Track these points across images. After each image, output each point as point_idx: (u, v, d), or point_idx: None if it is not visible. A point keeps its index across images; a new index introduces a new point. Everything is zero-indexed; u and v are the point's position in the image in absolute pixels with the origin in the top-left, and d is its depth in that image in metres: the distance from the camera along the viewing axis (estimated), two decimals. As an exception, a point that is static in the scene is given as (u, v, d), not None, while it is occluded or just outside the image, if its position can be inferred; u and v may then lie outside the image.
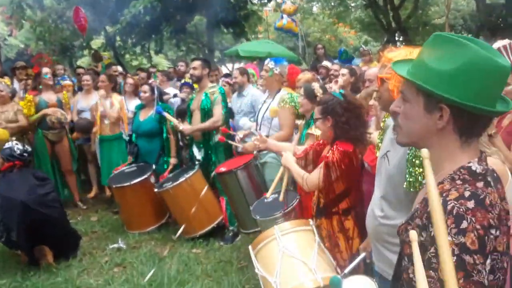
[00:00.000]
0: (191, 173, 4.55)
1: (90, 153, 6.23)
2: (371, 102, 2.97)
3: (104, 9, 14.98)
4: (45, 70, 5.73)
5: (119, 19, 14.84)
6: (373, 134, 2.79)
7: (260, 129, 4.31)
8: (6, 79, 5.89)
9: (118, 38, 16.55)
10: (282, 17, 11.02)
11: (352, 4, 21.16)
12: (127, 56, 18.81)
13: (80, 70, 7.68)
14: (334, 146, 2.67)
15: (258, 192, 4.13)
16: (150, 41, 15.74)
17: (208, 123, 4.63)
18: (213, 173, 4.49)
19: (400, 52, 1.79)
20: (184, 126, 4.73)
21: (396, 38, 17.36)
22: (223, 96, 4.71)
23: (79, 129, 5.72)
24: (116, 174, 5.04)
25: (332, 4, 20.63)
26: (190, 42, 18.88)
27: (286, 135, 4.10)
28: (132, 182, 4.71)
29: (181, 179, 4.50)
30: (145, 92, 5.11)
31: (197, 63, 4.72)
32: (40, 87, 5.83)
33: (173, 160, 5.13)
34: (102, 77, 5.75)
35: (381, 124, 2.22)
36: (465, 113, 1.06)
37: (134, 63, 22.06)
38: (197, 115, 4.73)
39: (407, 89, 1.15)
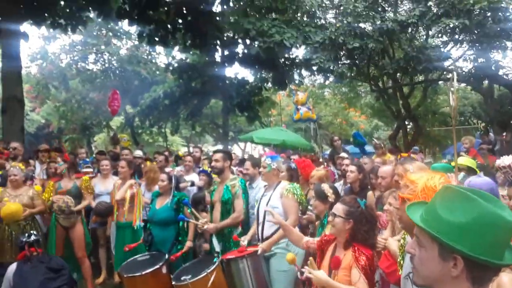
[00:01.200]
0: (212, 267, 4.33)
1: (103, 237, 6.24)
2: (386, 207, 3.02)
3: (125, 92, 15.85)
4: (59, 159, 6.00)
5: (140, 102, 15.63)
6: (389, 240, 2.81)
7: (264, 219, 4.32)
8: (20, 164, 6.07)
9: (136, 118, 17.28)
10: (297, 109, 11.45)
11: (363, 90, 21.98)
12: (143, 135, 19.49)
13: (100, 157, 7.89)
14: (357, 250, 2.70)
15: (261, 284, 4.05)
16: (167, 122, 16.39)
17: (229, 220, 4.64)
18: (219, 259, 4.34)
19: (422, 176, 1.88)
20: (208, 225, 4.71)
21: (406, 123, 17.79)
22: (244, 188, 4.77)
23: (98, 214, 5.78)
24: (128, 263, 4.98)
25: (343, 90, 21.47)
26: (205, 123, 19.59)
27: (293, 221, 4.15)
28: (143, 273, 4.64)
29: (203, 274, 4.27)
30: (162, 180, 5.22)
31: (219, 156, 4.82)
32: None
33: (189, 243, 5.07)
34: (122, 163, 5.90)
35: (401, 241, 2.25)
36: (476, 264, 1.12)
37: (150, 141, 22.75)
38: (218, 207, 4.76)
39: (422, 235, 1.22)
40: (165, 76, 17.04)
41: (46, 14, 11.80)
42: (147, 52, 18.54)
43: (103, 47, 18.25)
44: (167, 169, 5.78)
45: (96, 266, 6.56)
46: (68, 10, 12.12)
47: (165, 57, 18.34)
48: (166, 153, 9.05)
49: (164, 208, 5.11)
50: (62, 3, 11.84)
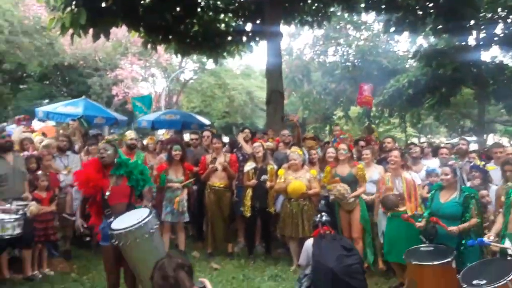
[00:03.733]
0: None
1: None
2: None
3: (365, 82, 15.98)
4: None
5: (381, 92, 15.57)
6: None
7: None
8: (298, 149, 6.74)
9: (373, 108, 17.29)
10: None
11: None
12: (380, 124, 19.43)
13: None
14: None
15: None
16: (408, 112, 15.86)
17: None
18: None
19: None
20: None
21: None
22: None
23: (384, 206, 5.84)
24: (410, 250, 4.97)
25: None
26: (452, 113, 18.13)
27: None
28: (434, 263, 4.54)
29: (502, 282, 3.65)
30: (446, 174, 4.98)
31: None
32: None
33: None
34: (395, 153, 5.91)
35: None
36: None
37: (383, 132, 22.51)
38: None
39: None
40: (405, 64, 16.51)
41: (295, 14, 12.89)
42: (386, 41, 18.32)
43: (341, 40, 18.89)
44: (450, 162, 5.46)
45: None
46: (314, 7, 12.87)
47: (405, 44, 17.79)
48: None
49: (451, 203, 4.88)
50: (309, 1, 12.60)
